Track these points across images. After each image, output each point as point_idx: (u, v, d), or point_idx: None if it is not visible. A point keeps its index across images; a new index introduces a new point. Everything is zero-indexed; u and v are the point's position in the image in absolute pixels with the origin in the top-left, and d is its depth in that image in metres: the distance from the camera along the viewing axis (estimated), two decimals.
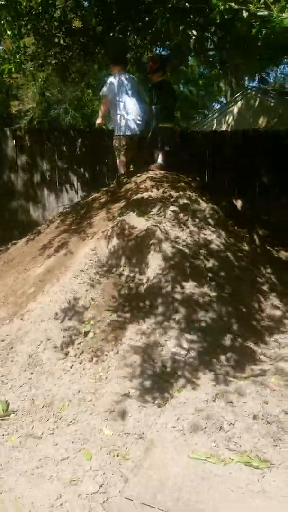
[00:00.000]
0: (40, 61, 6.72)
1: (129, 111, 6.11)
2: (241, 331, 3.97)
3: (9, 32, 5.52)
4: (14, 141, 7.13)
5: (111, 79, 6.14)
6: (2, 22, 5.61)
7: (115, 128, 6.25)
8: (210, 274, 4.41)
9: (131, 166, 6.32)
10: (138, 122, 6.15)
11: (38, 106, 16.35)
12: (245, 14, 3.61)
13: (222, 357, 3.62)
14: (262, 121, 10.78)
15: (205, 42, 5.47)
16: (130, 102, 6.11)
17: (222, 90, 18.82)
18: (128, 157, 6.33)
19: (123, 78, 6.12)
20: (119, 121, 6.13)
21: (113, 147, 6.38)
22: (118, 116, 6.12)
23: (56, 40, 6.28)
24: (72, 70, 7.35)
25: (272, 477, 2.53)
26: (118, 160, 6.39)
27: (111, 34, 6.32)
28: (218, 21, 3.84)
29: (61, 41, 6.25)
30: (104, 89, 6.13)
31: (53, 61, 6.85)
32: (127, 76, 6.21)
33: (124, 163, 6.34)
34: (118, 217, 5.05)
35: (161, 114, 5.98)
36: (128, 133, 6.17)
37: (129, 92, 6.12)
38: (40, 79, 6.94)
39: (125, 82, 6.12)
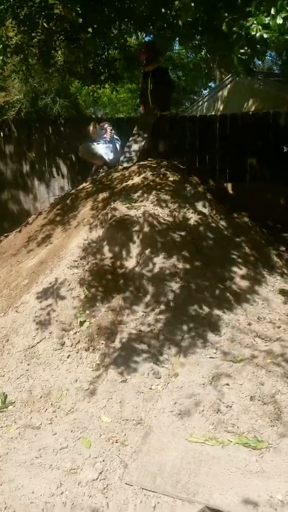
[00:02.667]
0: (25, 52, 6.59)
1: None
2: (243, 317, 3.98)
3: None
4: (1, 132, 7.06)
5: None
6: None
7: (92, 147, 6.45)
8: (200, 254, 4.41)
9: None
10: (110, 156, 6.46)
11: (25, 97, 16.14)
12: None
13: (218, 338, 3.63)
14: (251, 104, 10.70)
15: (189, 27, 5.39)
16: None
17: (210, 74, 18.65)
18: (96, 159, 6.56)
19: None
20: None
21: (84, 153, 6.55)
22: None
23: (38, 26, 6.17)
24: (57, 58, 7.24)
25: (270, 457, 2.55)
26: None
27: (93, 24, 6.23)
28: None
29: (43, 25, 6.14)
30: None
31: (37, 52, 6.73)
32: None
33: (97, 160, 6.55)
34: (106, 206, 5.05)
35: (158, 102, 6.09)
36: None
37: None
38: (24, 69, 6.80)
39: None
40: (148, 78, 6.15)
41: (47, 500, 2.34)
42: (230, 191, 6.91)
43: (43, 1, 5.79)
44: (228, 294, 4.16)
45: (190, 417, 2.86)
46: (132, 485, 2.42)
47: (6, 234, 6.39)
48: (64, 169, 7.30)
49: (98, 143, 6.42)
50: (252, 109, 10.47)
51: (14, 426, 3.00)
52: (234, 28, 3.66)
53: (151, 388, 3.18)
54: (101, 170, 6.49)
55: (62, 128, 7.31)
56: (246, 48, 3.62)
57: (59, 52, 7.04)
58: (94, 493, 2.37)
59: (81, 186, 6.30)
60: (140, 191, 5.10)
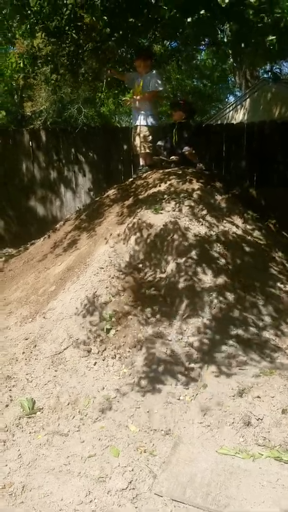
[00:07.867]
0: (55, 63, 6.68)
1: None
2: (264, 321, 3.91)
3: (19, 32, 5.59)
4: (30, 141, 7.19)
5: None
6: (11, 22, 5.67)
7: (147, 120, 6.19)
8: (229, 267, 4.36)
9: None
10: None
11: (52, 106, 16.42)
12: None
13: (248, 350, 3.57)
14: (278, 111, 10.62)
15: (215, 33, 5.33)
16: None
17: (236, 83, 18.65)
18: (152, 150, 6.31)
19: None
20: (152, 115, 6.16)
21: (139, 139, 6.26)
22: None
23: (67, 37, 6.26)
24: (85, 69, 7.33)
25: None
26: (143, 152, 6.30)
27: (120, 32, 6.26)
28: (224, 5, 3.67)
29: (72, 36, 6.21)
30: (160, 82, 6.15)
31: (66, 62, 6.81)
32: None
33: (150, 155, 6.31)
34: (134, 214, 5.05)
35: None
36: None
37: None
38: (54, 79, 6.90)
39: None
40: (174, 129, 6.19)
41: (76, 508, 2.32)
42: (258, 198, 6.84)
43: (72, 13, 5.88)
44: (261, 308, 4.09)
45: (220, 429, 2.81)
46: (162, 496, 2.39)
47: (33, 242, 6.49)
48: (90, 177, 7.38)
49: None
50: (279, 116, 10.39)
51: (43, 432, 3.00)
52: (261, 14, 3.53)
53: (179, 399, 3.15)
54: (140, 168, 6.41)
55: (88, 137, 7.41)
56: (274, 36, 3.50)
57: (86, 60, 7.12)
58: (123, 503, 2.34)
59: (106, 194, 6.34)
60: (166, 199, 5.09)
